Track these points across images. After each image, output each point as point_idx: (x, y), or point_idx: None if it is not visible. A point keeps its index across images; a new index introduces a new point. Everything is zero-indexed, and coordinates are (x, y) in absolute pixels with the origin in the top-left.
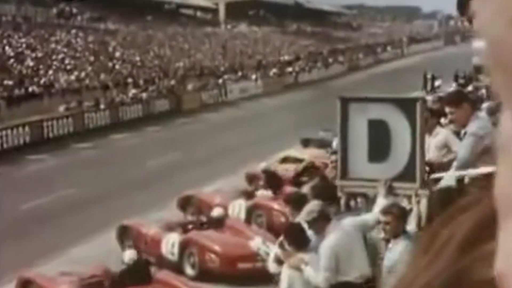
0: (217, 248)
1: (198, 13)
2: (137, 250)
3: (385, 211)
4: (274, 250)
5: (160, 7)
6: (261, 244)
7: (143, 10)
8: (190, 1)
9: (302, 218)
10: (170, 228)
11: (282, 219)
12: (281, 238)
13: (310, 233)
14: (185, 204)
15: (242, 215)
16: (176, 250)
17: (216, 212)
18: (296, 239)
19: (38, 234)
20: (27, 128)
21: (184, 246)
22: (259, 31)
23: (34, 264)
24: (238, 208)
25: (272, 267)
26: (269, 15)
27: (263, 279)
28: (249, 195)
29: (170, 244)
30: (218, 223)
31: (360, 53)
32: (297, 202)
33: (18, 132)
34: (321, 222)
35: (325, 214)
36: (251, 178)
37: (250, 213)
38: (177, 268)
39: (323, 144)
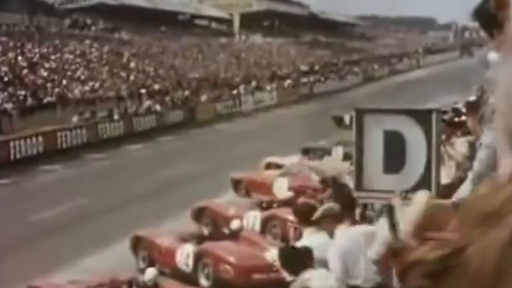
0: (231, 259)
1: (213, 24)
2: (151, 260)
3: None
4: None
5: (174, 17)
6: (275, 255)
7: (158, 21)
8: (204, 12)
9: (316, 216)
10: (184, 239)
11: (293, 231)
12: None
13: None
14: (199, 215)
15: (257, 226)
16: (190, 261)
17: (235, 225)
18: (289, 264)
19: (51, 244)
20: (40, 138)
21: (198, 257)
22: (274, 42)
23: (46, 274)
24: (253, 219)
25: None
26: (284, 26)
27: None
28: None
29: (184, 255)
30: (234, 235)
31: (375, 64)
32: (305, 214)
33: (31, 142)
34: (332, 221)
35: (337, 215)
36: None
37: (265, 224)
38: (192, 279)
39: (324, 152)
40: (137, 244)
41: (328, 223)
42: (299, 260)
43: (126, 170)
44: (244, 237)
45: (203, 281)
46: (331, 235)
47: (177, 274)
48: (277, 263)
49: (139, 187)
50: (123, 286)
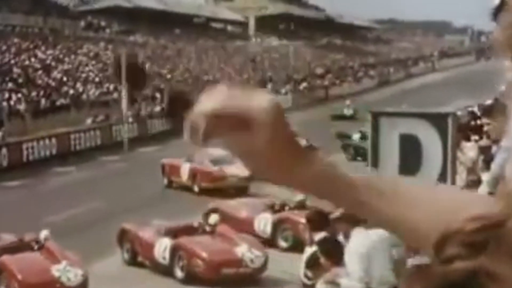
0: (203, 253)
1: (228, 27)
2: (134, 252)
3: None
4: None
5: (189, 20)
6: (246, 250)
7: (172, 23)
8: (220, 15)
9: (333, 216)
10: (163, 233)
11: (308, 235)
12: (313, 250)
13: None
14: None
15: (268, 229)
16: (167, 254)
17: (213, 219)
18: (333, 253)
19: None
20: (53, 140)
21: (174, 251)
22: (289, 45)
23: None
24: (264, 221)
25: (304, 280)
26: (300, 29)
27: (247, 283)
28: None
29: (162, 248)
30: (211, 230)
31: (391, 67)
32: (318, 221)
33: (44, 144)
34: (347, 223)
35: (353, 216)
36: None
37: (276, 226)
38: (169, 272)
39: None
40: (122, 236)
41: (345, 224)
42: (340, 250)
43: (139, 173)
44: (220, 232)
45: (179, 274)
46: (346, 237)
47: (156, 267)
48: (246, 258)
49: (153, 190)
50: None
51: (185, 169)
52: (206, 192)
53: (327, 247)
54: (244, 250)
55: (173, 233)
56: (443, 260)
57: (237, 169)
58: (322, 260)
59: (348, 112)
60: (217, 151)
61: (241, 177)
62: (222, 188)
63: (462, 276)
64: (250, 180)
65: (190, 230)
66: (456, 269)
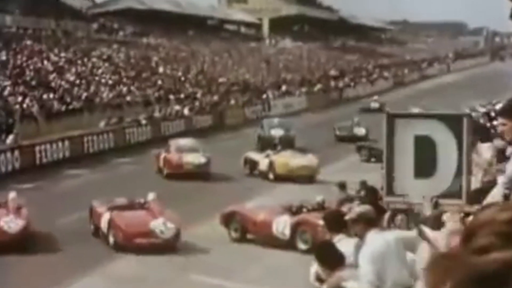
0: (122, 226)
1: (242, 29)
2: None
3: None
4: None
5: (203, 22)
6: (158, 224)
7: (186, 25)
8: (233, 17)
9: (349, 217)
10: (107, 208)
11: (328, 236)
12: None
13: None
14: (228, 219)
15: (287, 231)
16: (106, 225)
17: (150, 196)
18: (327, 258)
19: (77, 249)
20: (67, 143)
21: (109, 223)
22: (303, 46)
23: (72, 278)
24: (283, 224)
25: (314, 285)
26: (314, 30)
27: (157, 251)
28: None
29: (105, 220)
30: (146, 206)
31: (405, 68)
32: (335, 221)
33: (57, 147)
34: (364, 224)
35: (369, 218)
36: None
37: (295, 229)
38: (106, 240)
39: None
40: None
41: (360, 226)
42: (336, 255)
43: (153, 175)
44: (149, 207)
45: (111, 240)
46: (361, 238)
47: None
48: (157, 231)
49: (167, 191)
50: None
51: (160, 159)
52: (172, 177)
53: (322, 252)
54: (157, 223)
55: (116, 208)
56: (475, 250)
57: (193, 157)
58: (320, 269)
59: (374, 105)
60: (183, 141)
61: (196, 164)
62: (180, 173)
63: (498, 267)
64: (206, 166)
65: (130, 206)
66: (493, 260)
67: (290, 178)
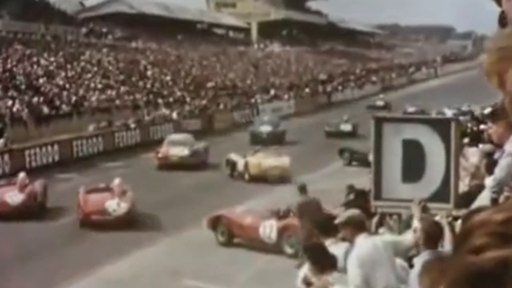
0: (82, 204)
1: (230, 33)
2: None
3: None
4: (303, 271)
5: (192, 26)
6: (112, 203)
7: (175, 29)
8: (222, 21)
9: (338, 221)
10: (85, 191)
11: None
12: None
13: (338, 251)
14: (215, 223)
15: (274, 235)
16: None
17: (115, 182)
18: (320, 259)
19: (68, 253)
20: (56, 147)
21: (78, 205)
22: (292, 50)
23: (66, 281)
24: (269, 228)
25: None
26: (302, 34)
27: (110, 227)
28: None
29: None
30: (107, 189)
31: (393, 73)
32: (324, 225)
33: (47, 151)
34: (353, 228)
35: (359, 222)
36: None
37: (281, 233)
38: None
39: None
40: None
41: (349, 230)
42: (329, 256)
43: (142, 179)
44: (113, 190)
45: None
46: (351, 242)
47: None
48: (110, 209)
49: (156, 195)
50: None
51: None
52: (162, 167)
53: (315, 253)
54: (112, 203)
55: (89, 191)
56: (471, 250)
57: (178, 150)
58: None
59: (380, 103)
60: (176, 136)
61: (179, 155)
62: (167, 164)
63: (494, 265)
64: (192, 158)
65: (101, 190)
66: (488, 258)
67: (263, 178)
